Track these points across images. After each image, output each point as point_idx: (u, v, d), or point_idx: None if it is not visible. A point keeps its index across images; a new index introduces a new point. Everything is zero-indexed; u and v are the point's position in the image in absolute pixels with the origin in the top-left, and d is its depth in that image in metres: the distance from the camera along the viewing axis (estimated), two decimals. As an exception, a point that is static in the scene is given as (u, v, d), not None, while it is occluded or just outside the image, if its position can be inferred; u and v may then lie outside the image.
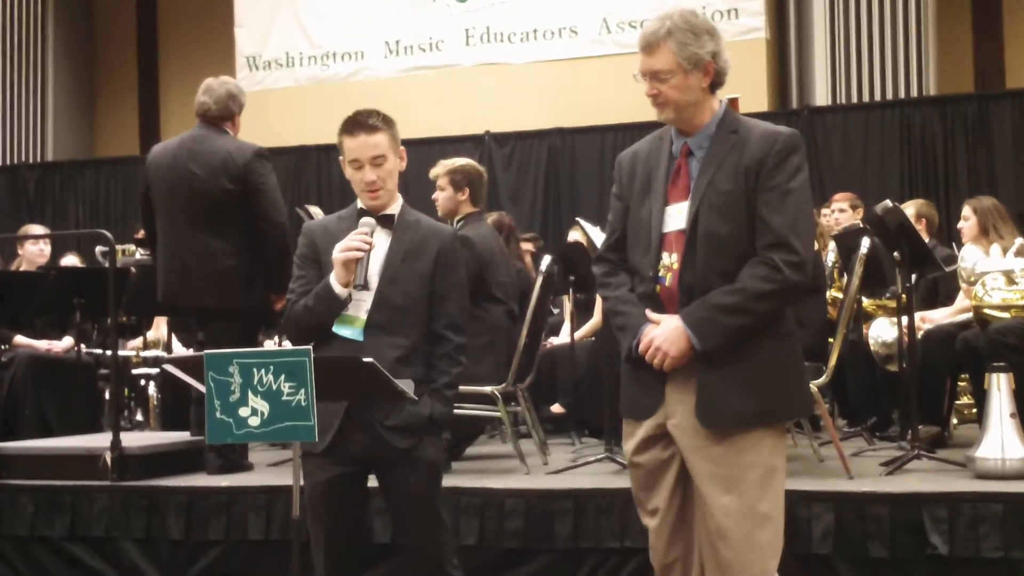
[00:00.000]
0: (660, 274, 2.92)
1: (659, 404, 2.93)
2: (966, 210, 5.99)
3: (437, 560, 3.35)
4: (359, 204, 3.39)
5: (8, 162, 12.08)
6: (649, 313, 2.92)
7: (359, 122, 3.32)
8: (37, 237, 7.35)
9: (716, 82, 2.95)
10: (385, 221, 3.35)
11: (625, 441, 3.06)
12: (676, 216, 2.92)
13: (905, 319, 5.13)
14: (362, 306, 3.27)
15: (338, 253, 3.21)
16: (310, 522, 3.30)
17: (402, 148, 3.40)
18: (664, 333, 2.85)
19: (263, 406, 2.80)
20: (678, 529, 2.98)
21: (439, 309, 3.35)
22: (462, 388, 5.13)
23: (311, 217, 5.47)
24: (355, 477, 3.34)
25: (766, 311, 2.85)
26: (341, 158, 3.38)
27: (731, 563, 2.83)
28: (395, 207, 3.39)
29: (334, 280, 3.22)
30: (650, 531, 3.02)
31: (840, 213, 7.11)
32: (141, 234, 8.07)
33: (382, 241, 3.33)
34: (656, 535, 3.00)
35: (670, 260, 2.91)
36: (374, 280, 3.28)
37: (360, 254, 3.20)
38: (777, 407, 2.91)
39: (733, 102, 3.12)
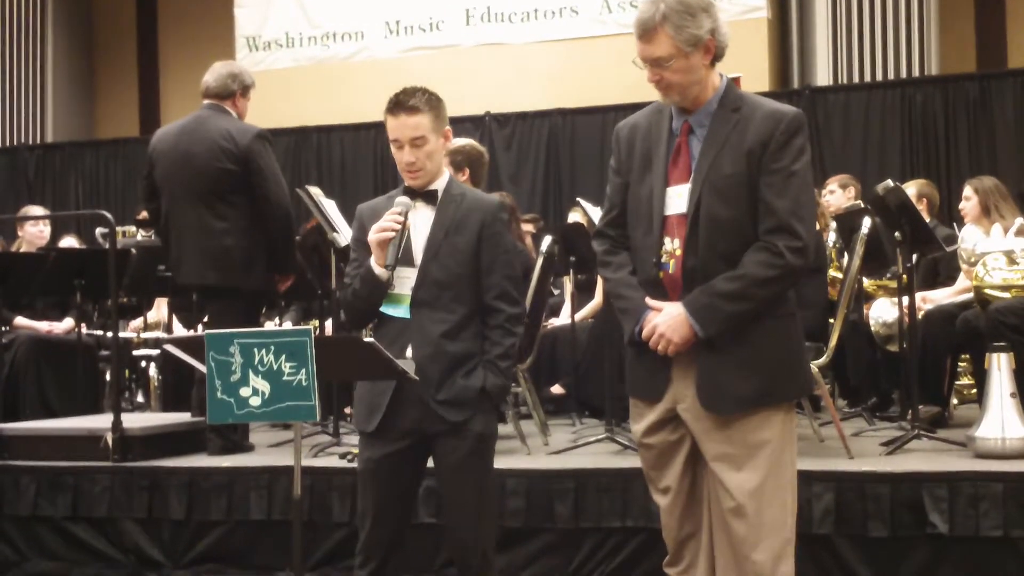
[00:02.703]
0: (663, 260, 2.89)
1: (667, 386, 2.92)
2: (967, 190, 5.97)
3: (474, 540, 3.28)
4: (406, 182, 3.37)
5: (8, 143, 12.05)
6: (649, 300, 2.90)
7: (400, 102, 3.26)
8: (37, 218, 7.34)
9: (716, 56, 2.89)
10: (428, 197, 3.32)
11: (634, 422, 3.05)
12: (677, 199, 2.89)
13: (906, 299, 5.13)
14: (407, 284, 3.26)
15: (372, 235, 3.21)
16: (360, 497, 3.30)
17: (447, 128, 3.35)
18: (667, 320, 2.84)
19: (264, 386, 2.80)
20: (689, 507, 2.99)
21: (487, 281, 3.30)
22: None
23: (311, 198, 5.46)
24: (408, 454, 3.27)
25: (768, 296, 2.84)
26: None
27: (745, 540, 2.83)
28: (440, 183, 3.35)
29: (374, 262, 3.22)
30: (662, 509, 3.03)
31: (830, 195, 7.10)
32: (143, 215, 8.08)
33: (426, 217, 3.31)
34: (668, 513, 3.01)
35: (672, 246, 2.88)
36: (418, 257, 3.27)
37: (391, 235, 3.17)
38: (778, 388, 2.90)
39: (735, 81, 3.07)
